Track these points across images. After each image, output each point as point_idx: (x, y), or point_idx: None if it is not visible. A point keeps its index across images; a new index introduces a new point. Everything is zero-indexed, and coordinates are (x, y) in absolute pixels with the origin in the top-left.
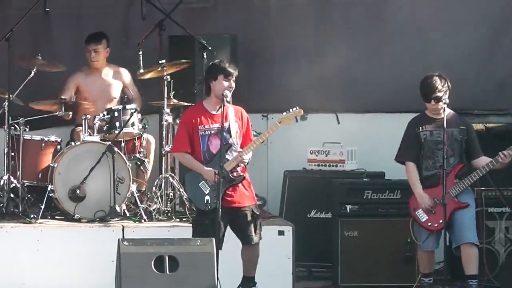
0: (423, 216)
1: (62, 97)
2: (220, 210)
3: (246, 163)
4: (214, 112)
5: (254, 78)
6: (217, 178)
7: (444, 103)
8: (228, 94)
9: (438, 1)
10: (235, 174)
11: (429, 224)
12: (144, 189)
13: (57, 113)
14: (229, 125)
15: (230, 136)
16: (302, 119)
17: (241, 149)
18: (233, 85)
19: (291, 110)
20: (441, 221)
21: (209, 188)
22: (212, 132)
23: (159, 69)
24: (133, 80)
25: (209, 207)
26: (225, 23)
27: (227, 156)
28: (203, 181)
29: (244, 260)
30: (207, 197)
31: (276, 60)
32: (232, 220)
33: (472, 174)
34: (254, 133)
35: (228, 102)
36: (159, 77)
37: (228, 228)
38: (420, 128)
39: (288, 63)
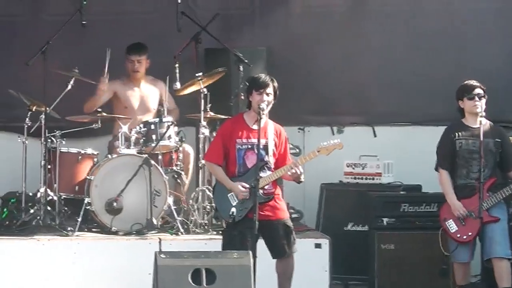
0: (453, 227)
1: (91, 107)
2: (257, 222)
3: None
4: (253, 127)
5: (291, 91)
6: (244, 194)
7: (481, 116)
8: (264, 107)
9: (475, 11)
10: (266, 191)
11: (458, 235)
12: (181, 202)
13: (94, 125)
14: (266, 142)
15: (266, 154)
16: (338, 132)
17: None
18: (266, 98)
19: (331, 141)
20: (470, 233)
21: (237, 200)
22: (249, 146)
23: (196, 82)
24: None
25: (234, 219)
26: (262, 35)
27: (260, 174)
28: (232, 193)
29: (278, 274)
30: (233, 209)
31: (312, 72)
32: (264, 233)
33: (506, 188)
34: (291, 146)
35: (264, 115)
36: (195, 90)
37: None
38: (456, 135)
39: (325, 75)
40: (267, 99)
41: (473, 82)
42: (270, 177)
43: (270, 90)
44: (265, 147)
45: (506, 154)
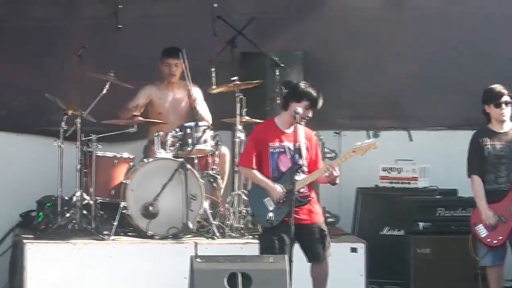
0: (483, 232)
1: (129, 112)
2: (293, 226)
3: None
4: (285, 130)
5: (326, 95)
6: (282, 198)
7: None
8: (300, 111)
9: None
10: (302, 195)
11: (488, 240)
12: (217, 206)
13: (129, 129)
14: (299, 146)
15: (300, 157)
16: (374, 136)
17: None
18: (310, 114)
19: (366, 141)
20: (500, 237)
21: (273, 205)
22: (282, 150)
23: (232, 86)
24: (204, 98)
25: (271, 223)
26: (298, 39)
27: (295, 177)
28: (268, 197)
29: (313, 278)
30: (270, 214)
31: (348, 76)
32: (299, 238)
33: None
34: (327, 150)
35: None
36: (231, 94)
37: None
38: (484, 141)
39: (361, 78)
40: (310, 115)
41: (501, 89)
42: (305, 180)
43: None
44: (299, 151)
45: None
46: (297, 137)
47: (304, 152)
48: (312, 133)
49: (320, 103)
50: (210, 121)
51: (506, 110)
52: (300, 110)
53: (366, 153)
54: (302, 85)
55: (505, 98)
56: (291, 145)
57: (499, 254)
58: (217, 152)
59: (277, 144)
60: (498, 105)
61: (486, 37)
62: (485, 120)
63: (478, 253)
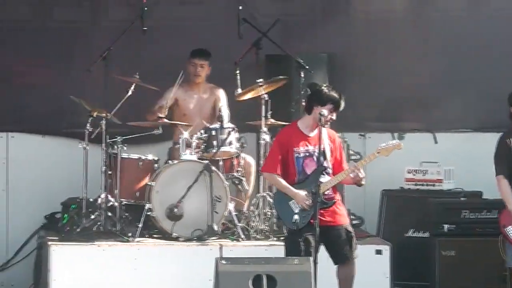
0: None
1: (154, 114)
2: (318, 228)
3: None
4: (309, 134)
5: (351, 97)
6: (307, 202)
7: None
8: (326, 114)
9: None
10: (327, 197)
11: None
12: (242, 208)
13: (154, 131)
14: (324, 148)
15: (325, 159)
16: (399, 138)
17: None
18: (333, 117)
19: (391, 142)
20: None
21: (298, 207)
22: (307, 154)
23: (257, 88)
24: (229, 103)
25: (297, 226)
26: (323, 41)
27: (320, 179)
28: (293, 200)
29: (339, 279)
30: (296, 216)
31: (373, 78)
32: (325, 240)
33: None
34: (352, 152)
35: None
36: (256, 97)
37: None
38: (510, 142)
39: (386, 81)
40: (334, 118)
41: None
42: (330, 182)
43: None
44: (323, 153)
45: None
46: (321, 140)
47: (328, 154)
48: (336, 135)
49: (343, 105)
50: (229, 123)
51: None
52: (326, 113)
53: (391, 154)
54: (325, 88)
55: None
56: (315, 148)
57: None
58: (242, 155)
59: (301, 148)
60: None
61: (511, 39)
62: (510, 122)
63: (506, 254)
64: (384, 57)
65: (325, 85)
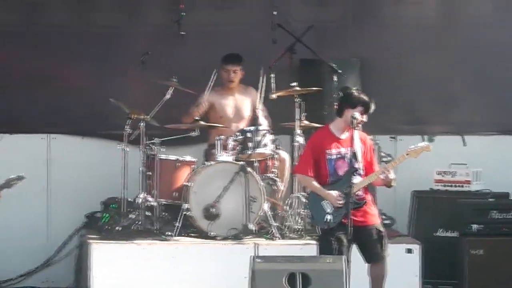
0: None
1: (190, 117)
2: (351, 228)
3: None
4: (340, 136)
5: (382, 100)
6: (339, 202)
7: None
8: (358, 117)
9: None
10: (358, 197)
11: None
12: (277, 208)
13: (191, 133)
14: (355, 150)
15: (356, 161)
16: (429, 140)
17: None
18: (365, 118)
19: (420, 144)
20: None
21: (331, 207)
22: (339, 156)
23: (291, 91)
24: (264, 103)
25: (329, 225)
26: (355, 46)
27: (352, 180)
28: (326, 200)
29: (371, 278)
30: (328, 216)
31: (404, 82)
32: (357, 239)
33: None
34: (383, 154)
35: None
36: (290, 100)
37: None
38: None
39: (416, 85)
40: (364, 120)
41: None
42: (361, 183)
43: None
44: (355, 155)
45: None
46: (353, 142)
47: (359, 155)
48: (367, 137)
49: (373, 107)
50: (268, 126)
51: None
52: (357, 115)
53: (420, 155)
54: (355, 92)
55: None
56: (347, 150)
57: None
58: (276, 156)
59: (333, 150)
60: None
61: None
62: None
63: None
64: (414, 61)
65: (355, 88)
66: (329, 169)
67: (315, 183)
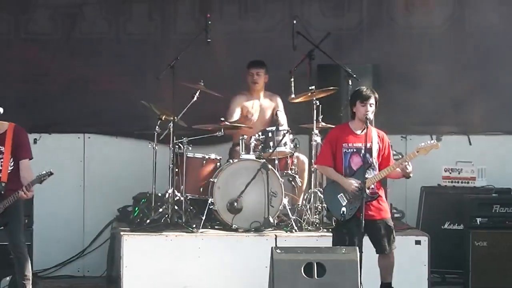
0: None
1: (231, 120)
2: (363, 221)
3: (408, 175)
4: (358, 132)
5: (394, 102)
6: (354, 187)
7: None
8: (371, 117)
9: None
10: (371, 191)
11: None
12: (296, 202)
13: (217, 133)
14: (371, 146)
15: (371, 156)
16: (437, 140)
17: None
18: (370, 108)
19: (429, 142)
20: None
21: (346, 201)
22: (355, 150)
23: (309, 94)
24: (284, 108)
25: (344, 218)
26: (369, 52)
27: (366, 175)
28: (341, 194)
29: (380, 267)
30: (343, 209)
31: (415, 86)
32: (368, 231)
33: None
34: (394, 152)
35: (370, 124)
36: (308, 102)
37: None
38: None
39: (426, 88)
40: (370, 110)
41: None
42: (375, 177)
43: (372, 101)
44: (369, 150)
45: None
46: (369, 138)
47: (375, 151)
48: (384, 135)
49: (369, 95)
50: (286, 126)
51: None
52: (370, 116)
53: (429, 153)
54: (355, 90)
55: None
56: (362, 146)
57: None
58: (296, 154)
59: (350, 144)
60: None
61: None
62: None
63: None
64: (424, 67)
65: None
66: (344, 163)
67: (334, 172)
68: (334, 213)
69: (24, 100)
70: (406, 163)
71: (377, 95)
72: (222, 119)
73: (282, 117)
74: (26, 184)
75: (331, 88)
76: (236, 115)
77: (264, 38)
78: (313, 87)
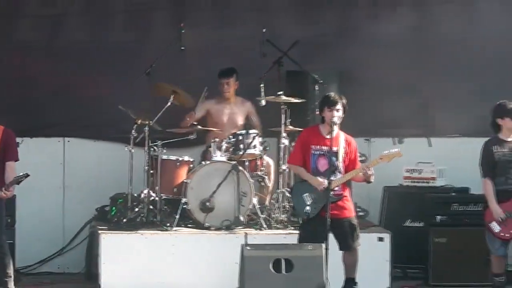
0: (496, 228)
1: (193, 119)
2: (329, 220)
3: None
4: (326, 136)
5: (358, 107)
6: (322, 187)
7: None
8: (337, 121)
9: None
10: (335, 193)
11: (502, 234)
12: (264, 202)
13: (190, 136)
14: (337, 150)
15: (337, 160)
16: (399, 142)
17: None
18: (337, 114)
19: (392, 150)
20: (511, 231)
21: (311, 200)
22: (321, 152)
23: (277, 99)
24: (256, 110)
25: (308, 216)
26: (335, 59)
27: (331, 177)
28: (307, 193)
29: (345, 264)
30: (307, 208)
31: (378, 92)
32: (333, 229)
33: None
34: (358, 154)
35: (335, 127)
36: (277, 106)
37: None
38: (494, 148)
39: (388, 93)
40: (337, 115)
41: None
42: (340, 180)
43: (339, 106)
44: (336, 154)
45: None
46: (336, 142)
47: (341, 155)
48: (352, 139)
49: (335, 100)
50: (261, 131)
51: None
52: (335, 120)
53: (392, 160)
54: (323, 96)
55: None
56: (329, 149)
57: (506, 245)
58: (264, 157)
59: (317, 147)
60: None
61: (498, 57)
62: (492, 130)
63: (490, 245)
64: (387, 73)
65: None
66: (311, 164)
67: (304, 171)
68: (299, 211)
69: (8, 105)
70: (368, 169)
71: (345, 101)
72: (195, 123)
73: (255, 119)
74: (5, 185)
75: (298, 100)
76: (199, 113)
77: (236, 46)
78: (281, 92)
